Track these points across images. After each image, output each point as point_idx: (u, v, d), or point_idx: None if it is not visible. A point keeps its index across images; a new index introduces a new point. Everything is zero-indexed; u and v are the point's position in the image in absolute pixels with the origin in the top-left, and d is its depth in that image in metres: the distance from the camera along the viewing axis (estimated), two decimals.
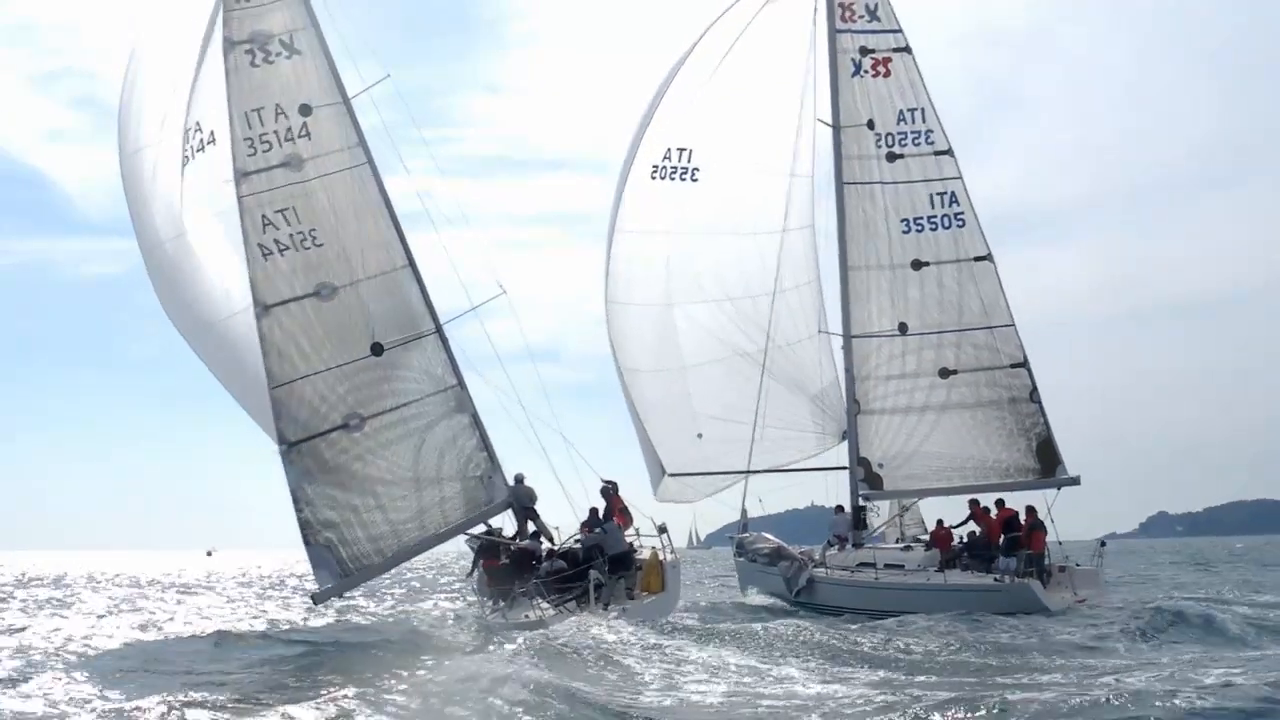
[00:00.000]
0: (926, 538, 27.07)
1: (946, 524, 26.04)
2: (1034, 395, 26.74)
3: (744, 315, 28.01)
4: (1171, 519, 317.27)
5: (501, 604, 21.35)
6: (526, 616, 20.40)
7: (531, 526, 22.55)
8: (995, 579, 23.52)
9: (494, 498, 21.80)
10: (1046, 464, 26.49)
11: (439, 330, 21.94)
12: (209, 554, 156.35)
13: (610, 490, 23.21)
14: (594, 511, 22.74)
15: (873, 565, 25.03)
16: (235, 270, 21.16)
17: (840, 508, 28.03)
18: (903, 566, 25.00)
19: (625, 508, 23.16)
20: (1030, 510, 25.04)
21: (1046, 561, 24.60)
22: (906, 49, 27.32)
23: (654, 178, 28.26)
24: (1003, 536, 24.78)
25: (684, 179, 28.17)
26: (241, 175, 20.70)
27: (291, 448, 20.53)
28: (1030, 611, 22.24)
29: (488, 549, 22.49)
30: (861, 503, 27.31)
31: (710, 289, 28.35)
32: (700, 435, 28.44)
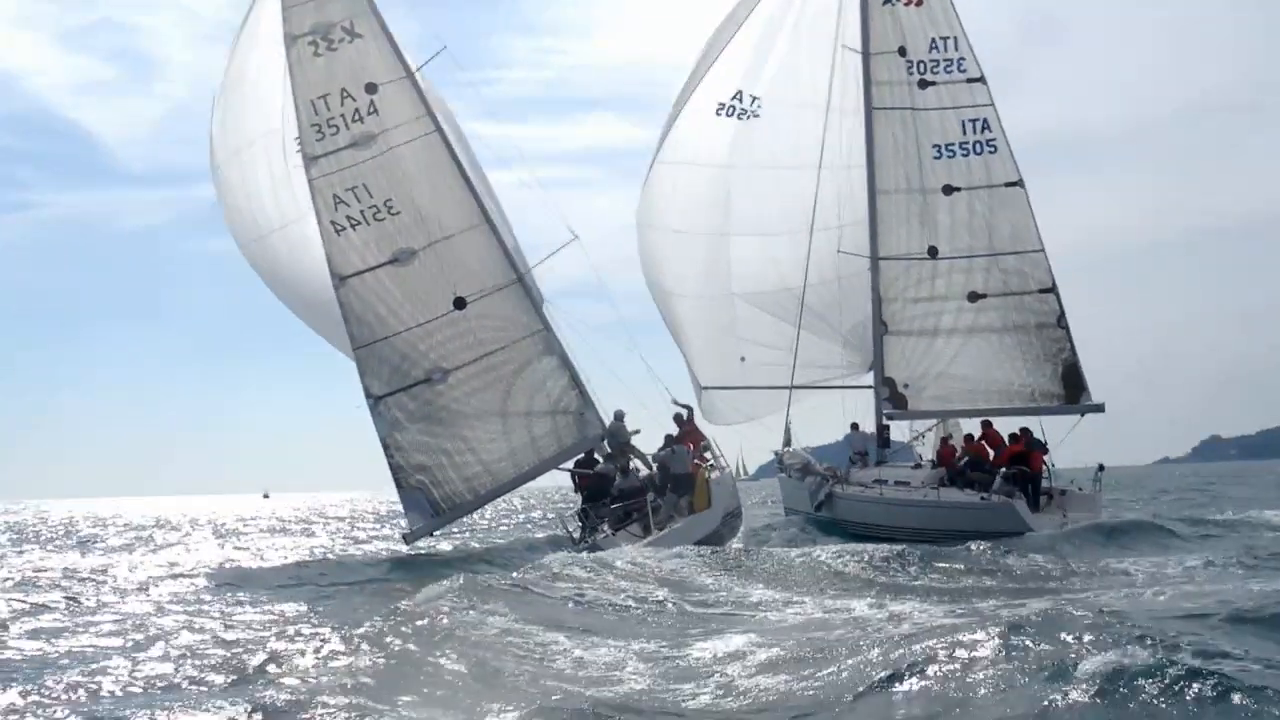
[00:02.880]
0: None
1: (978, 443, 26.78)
2: (1061, 321, 27.57)
3: (793, 249, 28.85)
4: (1225, 443, 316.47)
5: (581, 530, 23.47)
6: (586, 541, 22.45)
7: (634, 462, 24.45)
8: (982, 497, 24.67)
9: (587, 433, 23.74)
10: (1072, 390, 27.36)
11: (520, 279, 23.75)
12: (265, 496, 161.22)
13: (682, 416, 25.39)
14: (668, 437, 24.68)
15: (884, 482, 26.01)
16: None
17: (855, 425, 29.51)
18: (909, 484, 25.94)
19: (694, 430, 25.24)
20: (1025, 431, 26.33)
21: (1047, 484, 25.57)
22: None
23: (719, 114, 29.64)
24: (996, 457, 26.04)
25: (744, 117, 29.52)
26: (311, 160, 22.63)
27: (379, 401, 22.70)
28: (1014, 531, 23.30)
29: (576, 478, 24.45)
30: (885, 421, 28.15)
31: (765, 222, 29.56)
32: (744, 359, 29.56)
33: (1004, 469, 25.51)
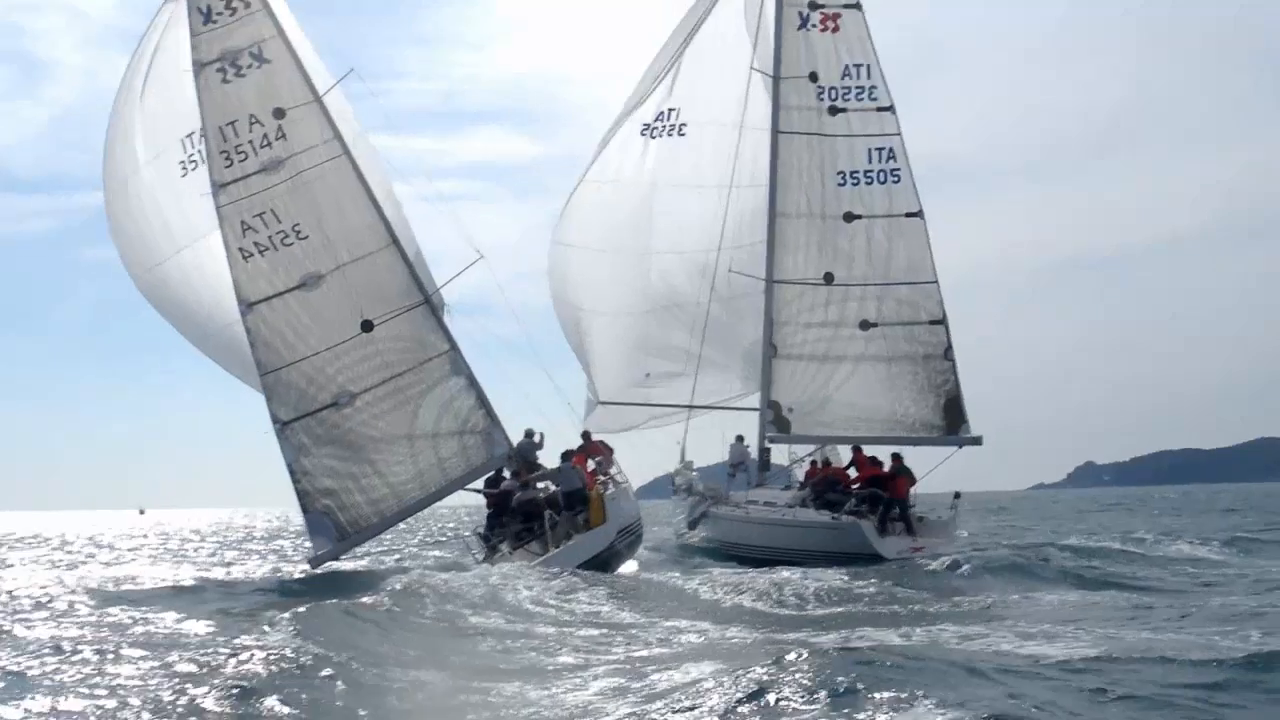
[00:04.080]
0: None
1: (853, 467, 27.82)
2: (948, 353, 28.44)
3: (700, 266, 29.39)
4: (1099, 469, 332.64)
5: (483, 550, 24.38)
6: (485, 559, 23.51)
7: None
8: (834, 517, 25.73)
9: (495, 453, 24.14)
10: (952, 421, 28.27)
11: (427, 300, 23.94)
12: (141, 512, 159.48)
13: (587, 435, 26.26)
14: (563, 454, 25.03)
15: (754, 503, 27.50)
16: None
17: (740, 437, 30.42)
18: (774, 504, 27.38)
19: (598, 446, 25.88)
20: (897, 457, 27.16)
21: (912, 508, 26.71)
22: (857, 6, 28.57)
23: (644, 134, 30.21)
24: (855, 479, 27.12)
25: (670, 135, 30.02)
26: (219, 186, 22.71)
27: (285, 426, 22.86)
28: (862, 553, 24.31)
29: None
30: (767, 445, 29.01)
31: (686, 240, 30.10)
32: (648, 375, 30.22)
33: (855, 490, 26.56)
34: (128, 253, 24.87)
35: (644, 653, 12.84)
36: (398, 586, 17.86)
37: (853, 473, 27.50)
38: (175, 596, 20.43)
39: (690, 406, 29.86)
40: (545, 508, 23.78)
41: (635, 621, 15.85)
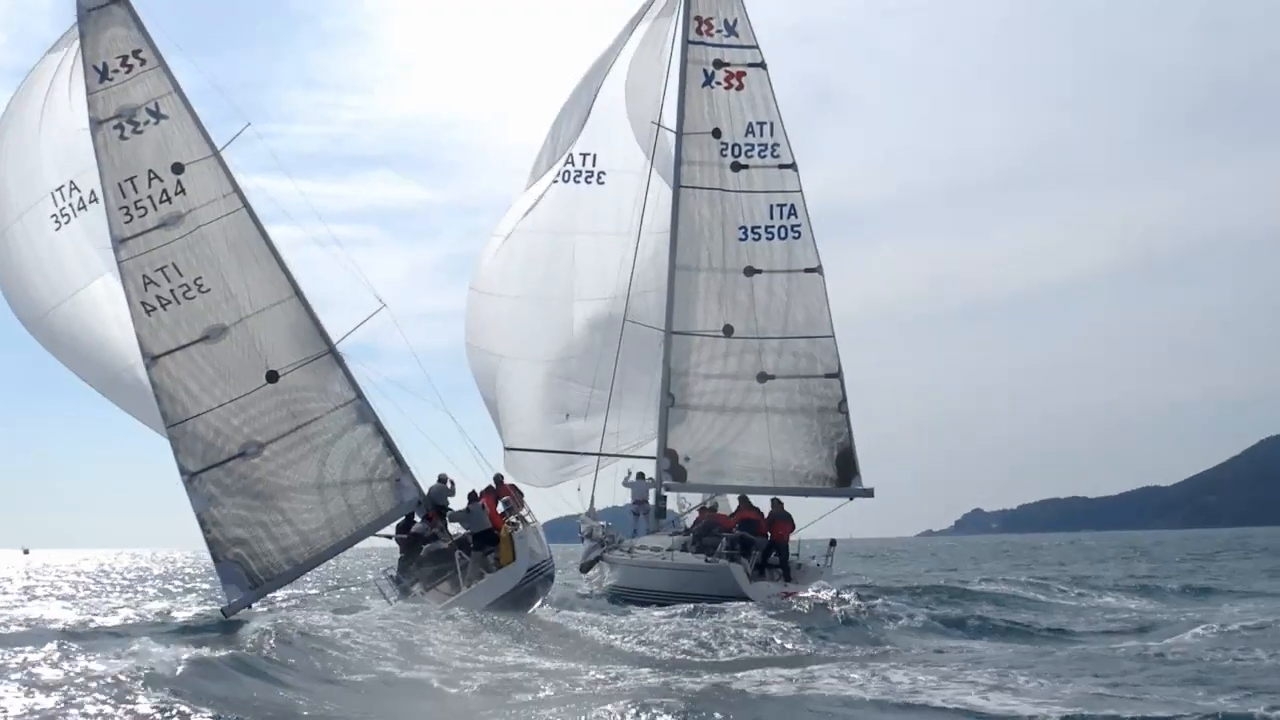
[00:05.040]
0: None
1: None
2: (842, 406, 29.19)
3: (615, 314, 29.97)
4: (986, 516, 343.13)
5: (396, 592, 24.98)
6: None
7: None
8: (706, 559, 26.52)
9: (404, 498, 24.53)
10: (844, 473, 28.99)
11: (332, 350, 24.31)
12: (25, 552, 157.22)
13: (499, 478, 26.60)
14: (470, 495, 25.69)
15: (644, 548, 28.53)
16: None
17: (641, 474, 31.31)
18: (659, 549, 28.31)
19: (508, 489, 26.35)
20: (776, 502, 27.91)
21: (793, 555, 27.48)
22: (761, 65, 29.20)
23: (561, 180, 31.19)
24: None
25: (589, 181, 31.03)
26: (119, 241, 22.88)
27: (194, 477, 23.07)
28: (731, 596, 24.89)
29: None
30: (664, 492, 29.61)
31: (604, 286, 31.06)
32: (567, 415, 30.82)
33: (725, 534, 27.16)
34: (13, 301, 24.90)
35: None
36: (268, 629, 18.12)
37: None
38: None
39: (599, 455, 30.64)
40: (454, 551, 24.34)
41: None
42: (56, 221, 23.89)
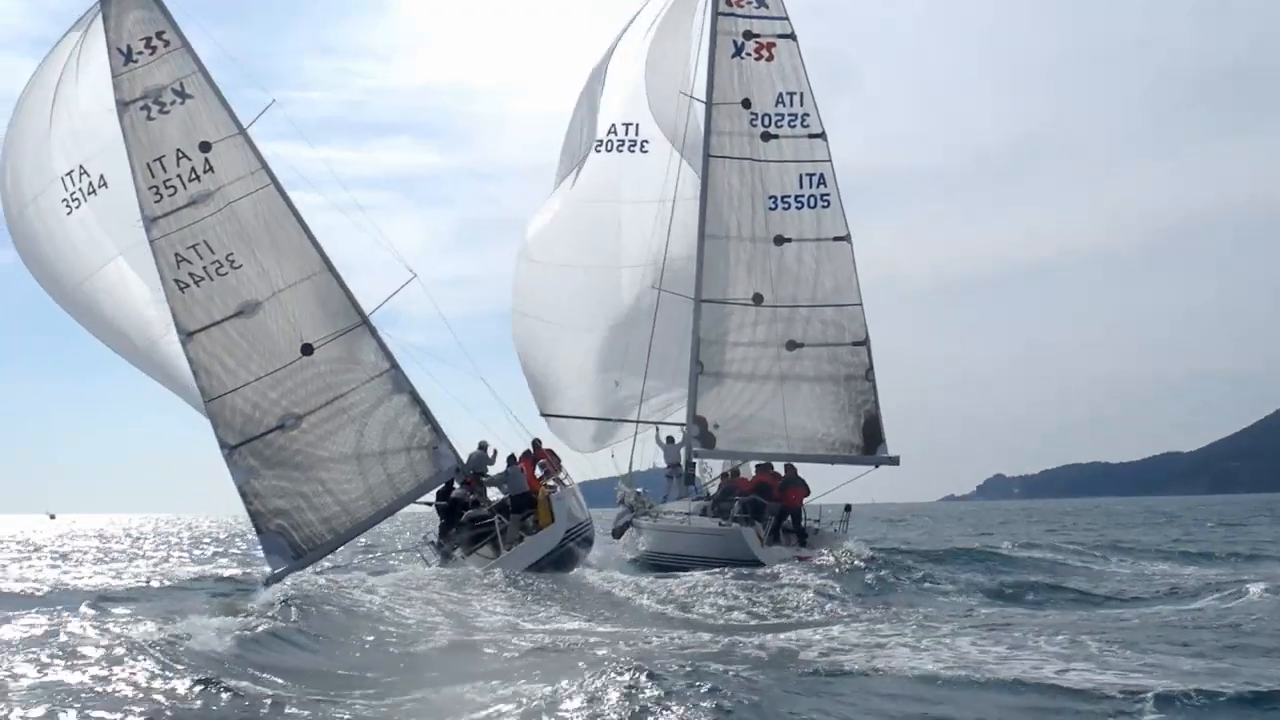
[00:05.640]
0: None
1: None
2: (869, 374, 29.49)
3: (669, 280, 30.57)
4: (1008, 481, 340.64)
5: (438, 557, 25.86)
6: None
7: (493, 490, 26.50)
8: (720, 523, 27.13)
9: (442, 466, 25.00)
10: (870, 441, 29.32)
11: (365, 321, 24.77)
12: (51, 517, 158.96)
13: (536, 443, 27.39)
14: (509, 459, 26.48)
15: (671, 513, 29.11)
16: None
17: (671, 438, 31.72)
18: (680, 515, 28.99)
19: (546, 453, 27.25)
20: (790, 468, 28.44)
21: (804, 521, 27.99)
22: (791, 35, 29.33)
23: (600, 150, 31.63)
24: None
25: (633, 150, 31.39)
26: (150, 220, 23.30)
27: (234, 451, 23.58)
28: (743, 559, 25.50)
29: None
30: (692, 459, 30.13)
31: (642, 254, 31.42)
32: (617, 383, 31.45)
33: (738, 498, 27.72)
34: (39, 278, 25.40)
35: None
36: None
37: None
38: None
39: (637, 422, 31.34)
40: (493, 515, 25.12)
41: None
42: (67, 206, 24.20)
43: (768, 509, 27.24)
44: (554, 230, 32.14)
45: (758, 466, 29.21)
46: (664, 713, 9.32)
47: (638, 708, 9.43)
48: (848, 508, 29.17)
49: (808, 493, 28.14)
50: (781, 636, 15.05)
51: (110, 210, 23.87)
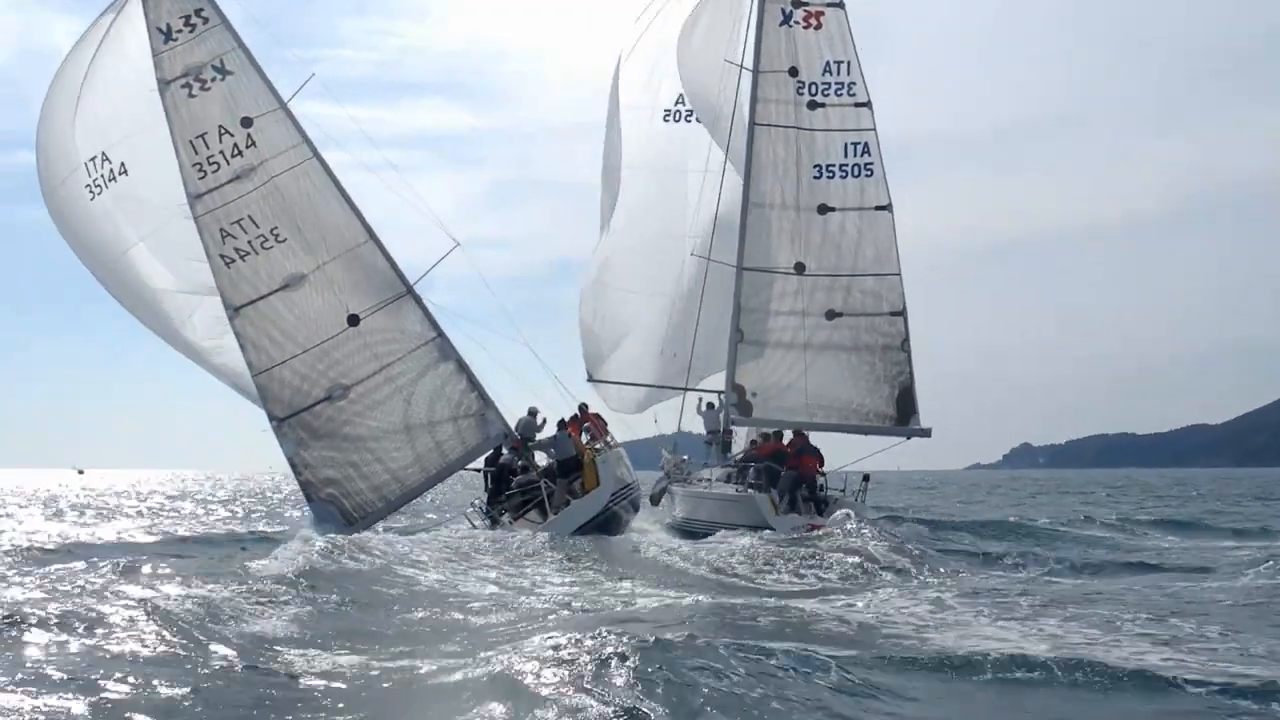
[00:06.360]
0: None
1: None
2: (905, 344, 29.56)
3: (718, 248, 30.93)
4: (1035, 450, 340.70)
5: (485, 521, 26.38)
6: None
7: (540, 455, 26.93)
8: (736, 489, 27.57)
9: (490, 433, 25.74)
10: (903, 412, 29.50)
11: (410, 290, 25.24)
12: (80, 472, 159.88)
13: (583, 407, 27.99)
14: (560, 423, 26.99)
15: (704, 480, 29.57)
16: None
17: (711, 404, 31.96)
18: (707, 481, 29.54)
19: (593, 417, 27.85)
20: (800, 435, 28.69)
21: (821, 488, 28.15)
22: (840, 4, 29.12)
23: (666, 120, 32.00)
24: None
25: (694, 121, 31.96)
26: (194, 197, 23.89)
27: (282, 423, 24.28)
28: (757, 525, 25.63)
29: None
30: (730, 427, 30.48)
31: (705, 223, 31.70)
32: (675, 355, 31.92)
33: (753, 464, 28.04)
34: (76, 250, 25.65)
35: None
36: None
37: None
38: None
39: (684, 390, 31.77)
40: (541, 479, 25.60)
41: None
42: (90, 192, 24.54)
43: (783, 476, 27.52)
44: (627, 201, 32.38)
45: (769, 435, 29.52)
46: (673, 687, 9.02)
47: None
48: (866, 477, 29.31)
49: (822, 461, 28.40)
50: (858, 609, 14.35)
51: (129, 198, 24.28)
